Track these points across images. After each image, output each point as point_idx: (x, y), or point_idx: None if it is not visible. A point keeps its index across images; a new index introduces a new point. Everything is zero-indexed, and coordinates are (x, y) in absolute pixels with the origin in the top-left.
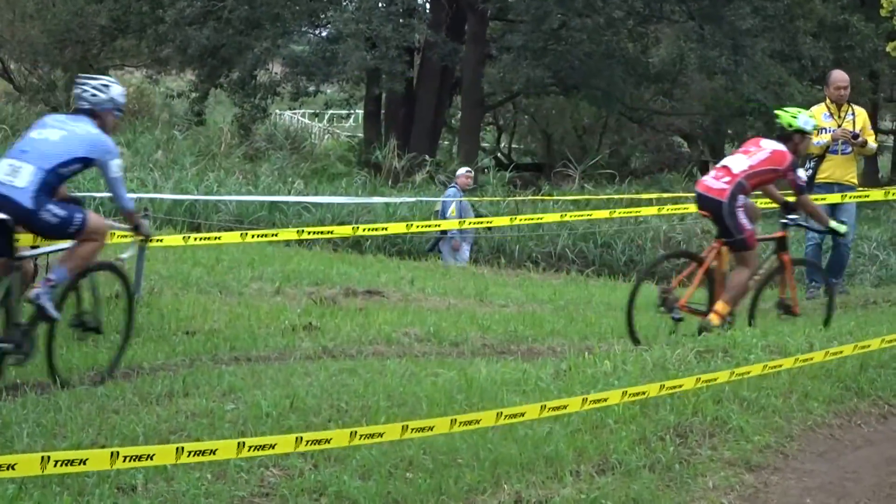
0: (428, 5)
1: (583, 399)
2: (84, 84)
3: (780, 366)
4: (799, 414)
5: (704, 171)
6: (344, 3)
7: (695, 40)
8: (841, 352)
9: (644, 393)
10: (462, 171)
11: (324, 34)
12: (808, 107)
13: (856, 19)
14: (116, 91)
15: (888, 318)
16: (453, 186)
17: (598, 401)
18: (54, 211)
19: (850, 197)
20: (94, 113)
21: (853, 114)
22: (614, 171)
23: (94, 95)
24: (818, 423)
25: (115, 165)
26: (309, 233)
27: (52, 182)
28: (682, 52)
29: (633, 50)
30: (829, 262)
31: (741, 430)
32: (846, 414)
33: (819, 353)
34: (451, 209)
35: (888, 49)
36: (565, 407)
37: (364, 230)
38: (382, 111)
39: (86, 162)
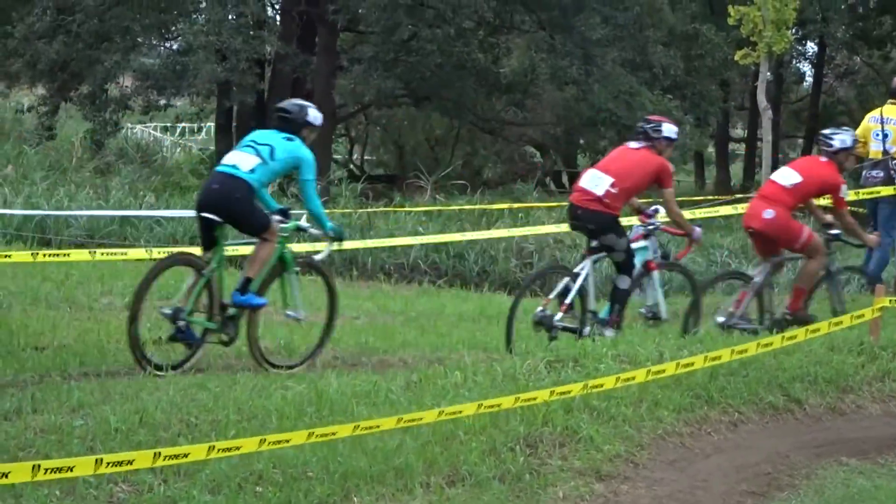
0: (278, 17)
1: (438, 412)
2: None
3: (633, 378)
4: (649, 423)
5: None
6: (194, 16)
7: (545, 50)
8: (692, 363)
9: (498, 405)
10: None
11: (174, 47)
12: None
13: (706, 28)
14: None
15: None
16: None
17: (453, 413)
18: None
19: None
20: None
21: None
22: (467, 182)
23: None
24: (668, 432)
25: None
26: (159, 252)
27: None
28: (533, 62)
29: (484, 60)
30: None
31: (591, 440)
32: (696, 422)
33: (670, 364)
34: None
35: (737, 57)
36: (420, 419)
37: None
38: (234, 124)
39: None
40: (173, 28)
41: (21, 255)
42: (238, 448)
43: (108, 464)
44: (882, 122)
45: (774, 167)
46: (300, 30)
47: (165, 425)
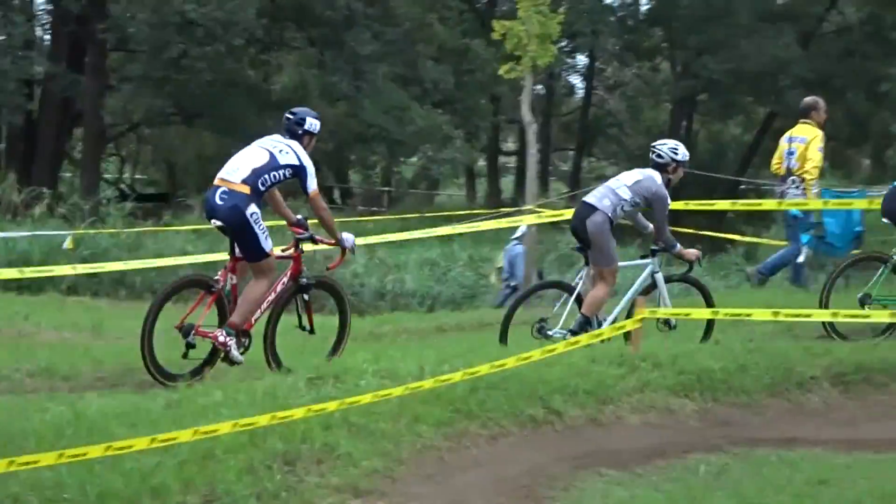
0: (47, 37)
1: (193, 431)
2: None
3: (390, 394)
4: (408, 437)
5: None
6: None
7: (316, 66)
8: (450, 379)
9: (253, 424)
10: None
11: None
12: (430, 130)
13: (476, 43)
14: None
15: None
16: None
17: (209, 432)
18: None
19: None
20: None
21: None
22: None
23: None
24: (427, 447)
25: None
26: None
27: None
28: (303, 78)
29: (256, 77)
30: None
31: (350, 456)
32: (456, 436)
33: (429, 381)
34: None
35: (501, 72)
36: (175, 438)
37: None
38: (2, 145)
39: None
40: None
41: None
42: None
43: None
44: (790, 141)
45: (543, 179)
46: (70, 49)
47: None
